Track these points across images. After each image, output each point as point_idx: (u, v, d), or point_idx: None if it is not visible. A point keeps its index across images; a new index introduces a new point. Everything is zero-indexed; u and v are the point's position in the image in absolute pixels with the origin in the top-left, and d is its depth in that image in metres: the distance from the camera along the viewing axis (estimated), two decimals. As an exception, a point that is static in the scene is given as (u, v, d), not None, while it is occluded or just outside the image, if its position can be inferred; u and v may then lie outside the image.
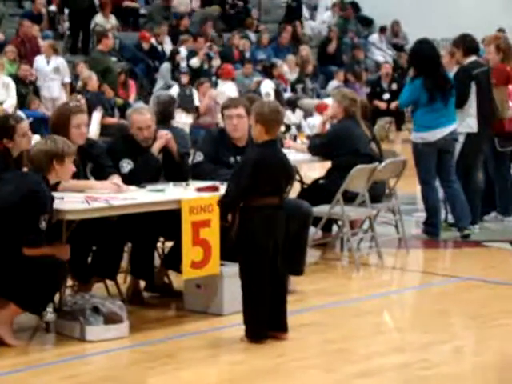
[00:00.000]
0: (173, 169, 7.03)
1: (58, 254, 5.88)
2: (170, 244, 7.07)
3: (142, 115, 6.95)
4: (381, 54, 22.49)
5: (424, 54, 9.02)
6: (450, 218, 9.37)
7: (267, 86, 17.26)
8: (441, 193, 9.28)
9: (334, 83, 19.20)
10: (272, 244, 5.86)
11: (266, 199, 5.83)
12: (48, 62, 16.12)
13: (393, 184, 8.67)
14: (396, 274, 8.31)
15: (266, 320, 5.85)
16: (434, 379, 5.34)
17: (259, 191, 5.79)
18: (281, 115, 6.02)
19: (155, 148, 6.94)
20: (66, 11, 19.17)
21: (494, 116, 9.44)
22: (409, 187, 10.06)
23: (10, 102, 14.35)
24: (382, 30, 23.02)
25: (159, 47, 18.94)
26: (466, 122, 9.19)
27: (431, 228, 9.15)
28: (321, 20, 23.66)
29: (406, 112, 10.68)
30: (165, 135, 6.97)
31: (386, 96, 18.70)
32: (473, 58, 9.40)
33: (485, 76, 9.35)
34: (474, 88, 9.22)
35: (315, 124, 13.66)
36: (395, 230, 8.86)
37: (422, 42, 9.22)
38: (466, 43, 9.47)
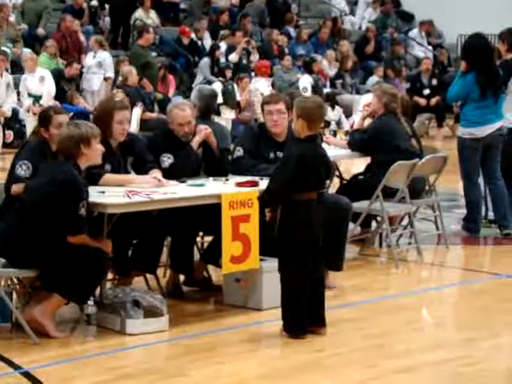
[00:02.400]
0: (212, 164, 7.06)
1: (101, 247, 5.95)
2: (209, 238, 7.10)
3: (183, 111, 6.98)
4: (421, 49, 22.35)
5: (478, 49, 8.94)
6: (491, 215, 9.32)
7: (305, 81, 17.24)
8: (482, 189, 9.23)
9: (373, 79, 19.13)
10: (312, 238, 5.86)
11: (308, 194, 5.83)
12: (94, 57, 16.26)
13: (433, 180, 8.64)
14: (435, 270, 8.29)
15: (305, 315, 5.85)
16: (473, 376, 5.32)
17: (301, 186, 5.80)
18: (323, 110, 6.05)
19: (195, 142, 6.98)
20: (107, 6, 19.29)
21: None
22: (449, 183, 10.03)
23: (47, 97, 14.45)
24: (422, 24, 22.88)
25: (199, 42, 19.00)
26: (508, 117, 9.13)
27: (471, 225, 9.11)
28: (361, 15, 23.59)
29: (454, 106, 10.58)
30: (204, 130, 7.01)
31: (426, 92, 18.57)
32: (516, 53, 9.34)
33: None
34: (516, 83, 9.18)
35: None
36: (435, 226, 8.83)
37: (475, 36, 9.14)
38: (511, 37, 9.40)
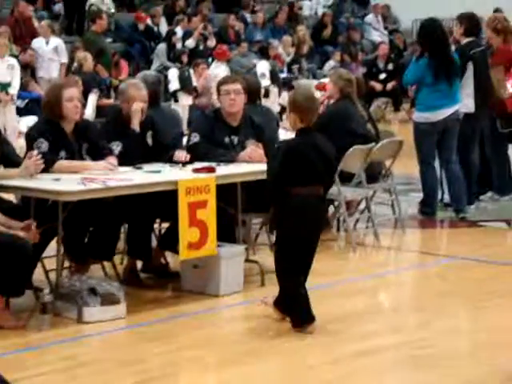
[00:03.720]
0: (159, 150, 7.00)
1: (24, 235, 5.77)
2: (166, 225, 7.08)
3: (139, 89, 6.93)
4: (377, 34, 22.46)
5: (432, 33, 8.99)
6: (446, 198, 9.39)
7: (263, 67, 17.24)
8: (438, 173, 9.29)
9: (330, 64, 19.19)
10: (305, 234, 5.73)
11: (303, 188, 5.65)
12: (47, 43, 16.09)
13: (389, 164, 8.68)
14: (392, 253, 8.33)
15: (308, 305, 5.74)
16: (430, 358, 5.36)
17: (294, 180, 5.64)
18: (315, 103, 5.88)
19: (134, 124, 6.88)
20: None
21: (492, 95, 9.45)
22: (405, 167, 10.07)
23: (16, 85, 14.27)
24: (377, 9, 22.98)
25: (155, 28, 18.91)
26: (464, 102, 9.19)
27: (428, 208, 9.19)
28: (317, 0, 23.61)
29: (409, 91, 10.67)
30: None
31: (383, 76, 18.67)
32: (471, 38, 9.39)
33: (482, 56, 9.35)
34: (471, 68, 9.23)
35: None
36: (391, 210, 8.88)
37: (429, 20, 9.19)
38: (468, 22, 9.45)
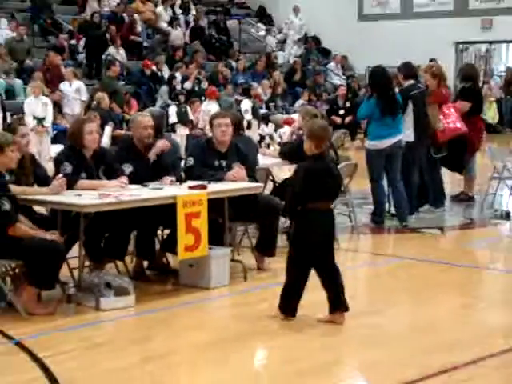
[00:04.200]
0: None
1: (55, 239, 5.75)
2: (167, 231, 7.06)
3: (145, 117, 6.98)
4: (337, 78, 22.53)
5: (378, 78, 9.02)
6: (392, 210, 9.41)
7: (246, 105, 17.23)
8: (386, 188, 9.32)
9: (299, 102, 19.21)
10: (322, 241, 5.58)
11: (318, 204, 5.48)
12: (70, 85, 16.07)
13: (347, 182, 8.68)
14: (349, 255, 8.32)
15: (297, 304, 5.64)
16: (378, 340, 5.36)
17: (311, 196, 5.45)
18: (328, 132, 5.66)
19: (152, 154, 6.89)
20: (82, 43, 19.11)
21: (429, 128, 9.50)
22: (360, 185, 10.08)
23: (49, 119, 14.23)
24: (336, 58, 23.10)
25: (159, 73, 18.89)
26: (406, 133, 9.23)
27: (378, 218, 9.18)
28: (289, 51, 23.67)
29: (362, 124, 10.77)
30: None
31: (341, 112, 18.73)
32: (411, 82, 9.44)
33: (420, 96, 9.38)
34: (410, 106, 9.27)
35: (285, 132, 13.69)
36: (348, 219, 8.89)
37: (377, 67, 9.21)
38: (406, 69, 9.52)
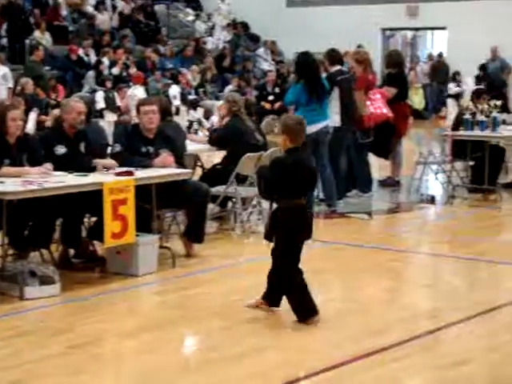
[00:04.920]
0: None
1: None
2: (94, 219, 6.97)
3: (78, 102, 6.88)
4: (266, 64, 22.56)
5: (304, 63, 9.05)
6: (321, 195, 9.48)
7: (174, 90, 17.16)
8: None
9: (229, 87, 19.18)
10: (302, 239, 5.41)
11: (296, 200, 5.32)
12: (-4, 71, 15.75)
13: (275, 168, 8.70)
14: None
15: (310, 298, 5.36)
16: (308, 324, 5.41)
17: (288, 191, 5.28)
18: (303, 126, 5.45)
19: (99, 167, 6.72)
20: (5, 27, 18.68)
21: (355, 113, 9.59)
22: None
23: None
24: (266, 43, 23.15)
25: (85, 58, 18.59)
26: (332, 118, 9.31)
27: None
28: (218, 37, 23.59)
29: (289, 110, 10.82)
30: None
31: (271, 98, 18.78)
32: (337, 67, 9.51)
33: (347, 82, 9.46)
34: (337, 91, 9.35)
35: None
36: (278, 204, 8.91)
37: (304, 53, 9.23)
38: (331, 55, 9.58)
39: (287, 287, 5.39)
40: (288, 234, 5.34)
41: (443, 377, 4.50)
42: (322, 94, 8.98)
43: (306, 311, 5.34)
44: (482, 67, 20.53)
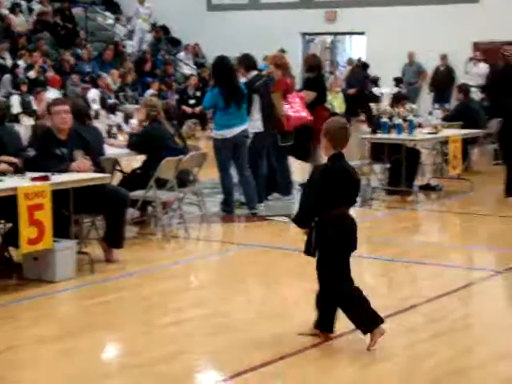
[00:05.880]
0: None
1: None
2: (9, 225, 6.84)
3: None
4: (187, 68, 22.52)
5: (221, 68, 9.09)
6: (242, 199, 9.54)
7: (94, 94, 16.99)
8: (235, 178, 9.43)
9: (149, 92, 19.07)
10: (350, 251, 5.02)
11: (341, 209, 4.95)
12: None
13: (196, 172, 8.73)
14: (200, 244, 8.37)
15: (371, 309, 4.96)
16: (230, 325, 5.43)
17: (333, 201, 4.89)
18: (347, 131, 5.03)
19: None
20: None
21: (274, 117, 9.68)
22: (210, 174, 10.15)
23: None
24: (187, 48, 23.13)
25: (1, 61, 18.20)
26: (254, 124, 9.39)
27: (227, 207, 9.29)
28: (137, 40, 23.42)
29: (208, 114, 10.83)
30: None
31: (192, 102, 18.76)
32: (254, 73, 9.59)
33: (265, 86, 9.55)
34: (257, 98, 9.43)
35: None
36: (199, 208, 8.94)
37: (221, 57, 9.28)
38: (246, 61, 9.66)
39: (345, 304, 4.98)
40: (340, 246, 4.93)
41: (363, 374, 4.59)
42: (240, 98, 9.04)
43: (370, 322, 4.94)
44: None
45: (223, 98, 8.92)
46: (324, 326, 5.09)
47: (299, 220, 5.00)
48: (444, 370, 4.63)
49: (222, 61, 9.15)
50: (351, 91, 20.94)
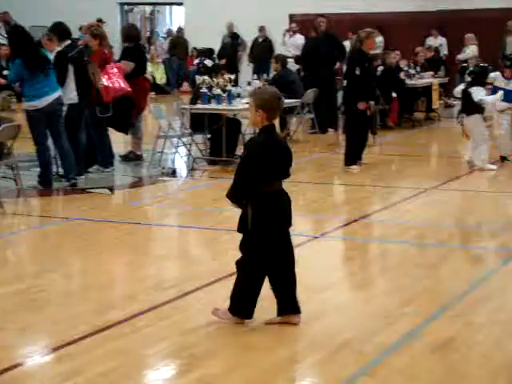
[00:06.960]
0: None
1: None
2: None
3: None
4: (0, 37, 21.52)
5: (18, 37, 8.78)
6: (61, 171, 9.32)
7: None
8: (52, 150, 9.19)
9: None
10: (287, 228, 4.85)
11: (276, 184, 4.76)
12: None
13: (10, 145, 8.42)
14: (17, 218, 8.10)
15: (254, 303, 4.83)
16: (43, 300, 5.30)
17: (268, 176, 4.69)
18: (281, 101, 4.80)
19: None
20: None
21: (91, 87, 9.51)
22: (28, 147, 9.80)
23: None
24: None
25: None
26: (68, 95, 9.19)
27: (45, 180, 9.06)
28: None
29: (15, 87, 10.51)
30: None
31: (6, 72, 17.96)
32: (67, 42, 9.37)
33: (79, 56, 9.38)
34: (71, 68, 9.21)
35: None
36: (14, 182, 8.64)
37: (14, 27, 9.02)
38: (59, 30, 9.43)
39: (246, 279, 4.79)
40: (277, 223, 4.76)
41: (184, 342, 4.64)
42: (45, 64, 8.79)
43: (243, 311, 4.83)
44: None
45: (27, 68, 8.65)
46: (289, 308, 4.87)
47: (234, 196, 4.74)
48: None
49: (16, 29, 8.88)
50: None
